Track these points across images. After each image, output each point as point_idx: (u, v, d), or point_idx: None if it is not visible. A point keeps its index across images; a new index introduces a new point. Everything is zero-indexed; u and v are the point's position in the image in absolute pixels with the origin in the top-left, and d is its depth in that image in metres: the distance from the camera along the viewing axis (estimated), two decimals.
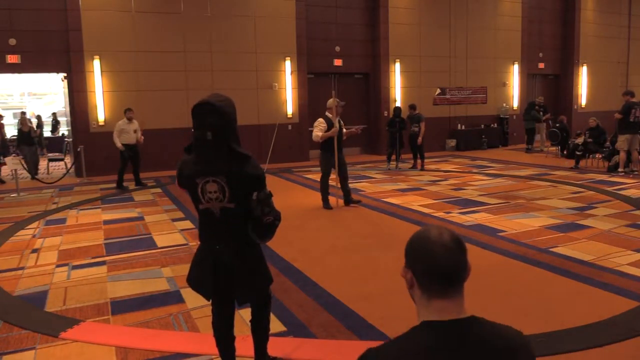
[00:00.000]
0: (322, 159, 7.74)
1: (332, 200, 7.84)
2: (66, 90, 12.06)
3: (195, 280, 2.80)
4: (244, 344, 3.19)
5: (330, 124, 7.53)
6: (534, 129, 14.93)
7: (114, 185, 10.29)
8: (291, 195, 8.90)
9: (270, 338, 3.09)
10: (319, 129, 7.52)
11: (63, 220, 7.39)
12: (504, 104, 16.99)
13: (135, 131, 10.14)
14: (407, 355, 1.21)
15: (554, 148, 14.12)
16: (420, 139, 11.53)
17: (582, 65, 18.49)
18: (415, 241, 1.31)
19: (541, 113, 14.75)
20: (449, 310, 1.24)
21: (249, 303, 2.94)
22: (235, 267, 2.67)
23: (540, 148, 15.05)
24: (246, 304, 2.96)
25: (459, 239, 1.30)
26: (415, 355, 1.20)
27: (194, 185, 2.63)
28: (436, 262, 1.25)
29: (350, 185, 8.03)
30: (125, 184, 10.25)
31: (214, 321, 2.88)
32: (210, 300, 2.86)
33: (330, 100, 7.87)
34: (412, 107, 11.99)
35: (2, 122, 15.77)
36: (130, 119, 10.09)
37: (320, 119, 7.63)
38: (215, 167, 2.57)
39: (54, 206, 8.45)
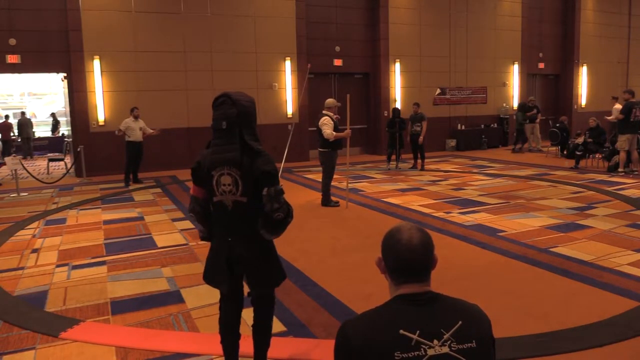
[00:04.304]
0: (333, 158, 7.76)
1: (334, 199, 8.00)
2: (66, 90, 12.05)
3: (210, 275, 2.80)
4: (244, 343, 3.18)
5: (335, 124, 7.58)
6: (522, 130, 15.00)
7: (114, 185, 10.34)
8: (291, 195, 8.86)
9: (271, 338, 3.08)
10: (328, 127, 7.54)
11: (63, 220, 7.38)
12: (504, 104, 16.99)
13: (140, 129, 10.48)
14: (381, 319, 1.41)
15: (554, 148, 14.12)
16: (421, 139, 11.53)
17: (582, 65, 18.49)
18: (387, 239, 1.51)
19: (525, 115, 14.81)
20: (414, 289, 1.46)
21: (259, 297, 2.87)
22: (248, 259, 2.68)
23: (529, 148, 15.12)
24: (261, 293, 2.86)
25: (425, 239, 1.48)
26: (388, 317, 1.40)
27: (209, 177, 2.67)
28: (400, 262, 1.46)
29: (350, 185, 8.04)
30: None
31: (221, 317, 2.87)
32: (219, 297, 2.85)
33: (331, 100, 7.89)
34: (416, 104, 11.96)
35: (9, 122, 15.81)
36: (136, 117, 10.42)
37: (327, 117, 7.63)
38: (229, 157, 2.61)
39: (54, 206, 8.45)
